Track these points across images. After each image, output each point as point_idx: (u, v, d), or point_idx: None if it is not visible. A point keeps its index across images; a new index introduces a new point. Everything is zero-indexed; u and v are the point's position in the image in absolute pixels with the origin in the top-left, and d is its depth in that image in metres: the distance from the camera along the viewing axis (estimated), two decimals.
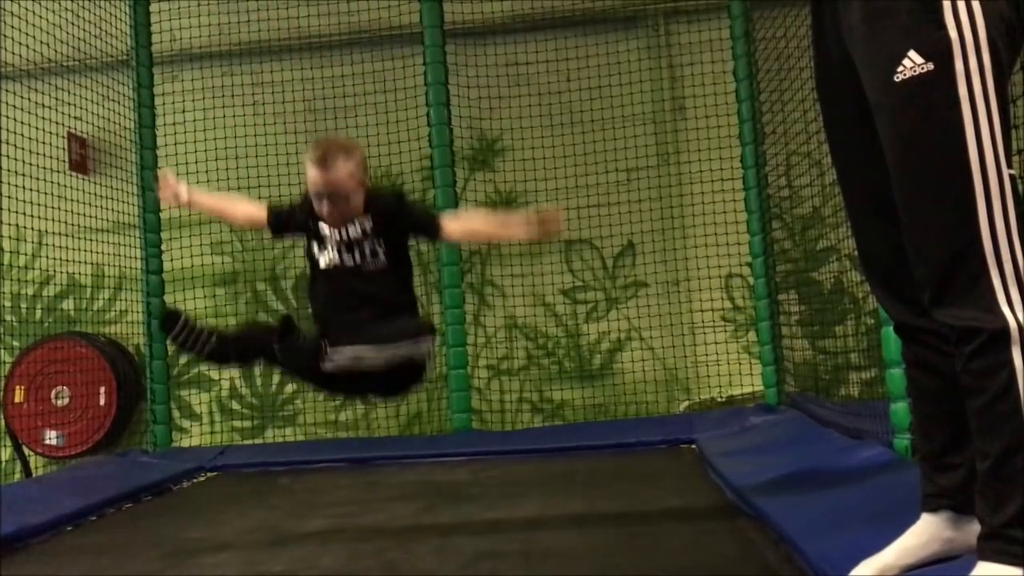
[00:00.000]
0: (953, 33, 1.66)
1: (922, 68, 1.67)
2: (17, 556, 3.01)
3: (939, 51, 1.66)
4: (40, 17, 5.28)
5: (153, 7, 5.81)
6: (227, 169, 5.98)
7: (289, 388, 6.04)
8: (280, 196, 5.99)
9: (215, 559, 2.76)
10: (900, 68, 1.69)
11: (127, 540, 3.18)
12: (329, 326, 2.88)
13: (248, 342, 2.95)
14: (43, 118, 5.29)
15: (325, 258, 2.89)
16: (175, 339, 2.86)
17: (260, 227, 3.13)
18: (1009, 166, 1.66)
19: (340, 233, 2.88)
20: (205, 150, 5.94)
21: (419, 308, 3.11)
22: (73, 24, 5.51)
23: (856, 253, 2.03)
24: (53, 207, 5.33)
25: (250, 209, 3.17)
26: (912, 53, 1.68)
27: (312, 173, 2.83)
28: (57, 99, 5.42)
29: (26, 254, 6.06)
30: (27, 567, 2.88)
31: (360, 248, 2.87)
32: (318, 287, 2.97)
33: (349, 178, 2.84)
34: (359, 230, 2.88)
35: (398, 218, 2.93)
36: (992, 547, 1.63)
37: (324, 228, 2.90)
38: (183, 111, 5.96)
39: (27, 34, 5.22)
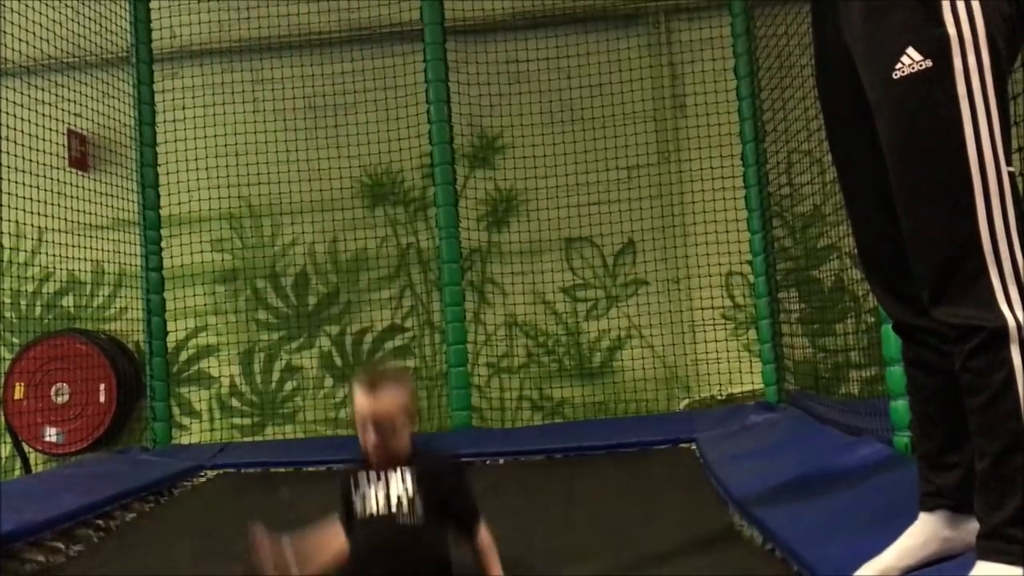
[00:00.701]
0: (952, 30, 1.65)
1: (921, 65, 1.66)
2: (18, 552, 3.01)
3: (938, 48, 1.65)
4: (40, 14, 5.28)
5: (153, 4, 5.80)
6: (227, 166, 5.97)
7: (289, 385, 6.05)
8: (280, 192, 6.00)
9: (215, 555, 2.76)
10: (899, 65, 1.68)
11: (127, 534, 3.18)
12: None
13: None
14: (43, 115, 5.28)
15: (361, 506, 2.69)
16: None
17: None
18: (1008, 163, 1.66)
19: (381, 482, 2.70)
20: (205, 147, 5.94)
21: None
22: (73, 20, 5.50)
23: (856, 251, 2.03)
24: (53, 204, 5.32)
25: (334, 539, 2.85)
26: (911, 50, 1.67)
27: (360, 399, 2.67)
28: (57, 96, 5.42)
29: (26, 251, 6.06)
30: (27, 563, 2.87)
31: (399, 499, 2.67)
32: (354, 539, 2.76)
33: (399, 408, 2.67)
34: (401, 482, 2.69)
35: (446, 487, 2.73)
36: (991, 546, 1.62)
37: (363, 479, 2.71)
38: (183, 108, 5.96)
39: (27, 30, 5.21)
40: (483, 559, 2.75)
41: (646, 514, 3.07)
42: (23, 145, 5.04)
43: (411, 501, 2.67)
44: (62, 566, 3.15)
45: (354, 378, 2.72)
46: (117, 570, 3.10)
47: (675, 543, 2.63)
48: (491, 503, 3.37)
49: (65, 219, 5.43)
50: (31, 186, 5.12)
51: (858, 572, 1.85)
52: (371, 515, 2.68)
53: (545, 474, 4.01)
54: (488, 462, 4.42)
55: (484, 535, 2.72)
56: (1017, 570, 1.59)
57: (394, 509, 2.66)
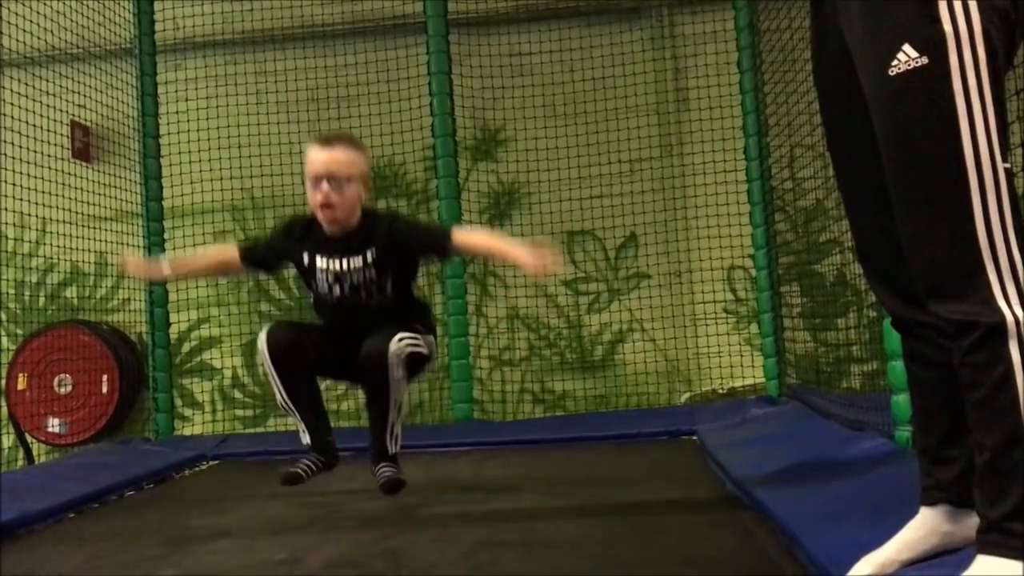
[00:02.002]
0: (948, 27, 1.65)
1: (916, 62, 1.66)
2: (19, 542, 3.03)
3: (933, 45, 1.65)
4: (44, 4, 5.28)
5: None
6: (230, 158, 5.98)
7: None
8: (282, 184, 6.01)
9: (215, 547, 2.77)
10: (894, 62, 1.68)
11: (128, 527, 3.19)
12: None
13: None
14: (47, 106, 5.29)
15: (323, 290, 2.76)
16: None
17: (236, 268, 3.00)
18: (1005, 160, 1.66)
19: (338, 264, 2.72)
20: (208, 139, 5.94)
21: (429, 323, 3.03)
22: (77, 12, 5.51)
23: (853, 247, 2.03)
24: (56, 195, 5.34)
25: (220, 254, 3.06)
26: (906, 47, 1.67)
27: (314, 153, 2.69)
28: (61, 87, 5.43)
29: (29, 242, 6.07)
30: (29, 553, 2.89)
31: (361, 280, 2.73)
32: (322, 314, 2.90)
33: (352, 163, 2.70)
34: (359, 261, 2.73)
35: (401, 242, 2.78)
36: (991, 540, 1.63)
37: (319, 260, 2.74)
38: (186, 100, 5.97)
39: (31, 21, 5.22)
40: (485, 246, 2.86)
41: (646, 505, 3.09)
42: (27, 136, 5.05)
43: (374, 280, 2.72)
44: (49, 527, 3.22)
45: (312, 139, 2.75)
46: (104, 529, 3.15)
47: (675, 534, 2.64)
48: (492, 493, 3.40)
49: (68, 210, 5.44)
50: (35, 177, 5.13)
51: (856, 566, 1.86)
52: (336, 300, 2.77)
53: (546, 465, 4.02)
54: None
55: (463, 234, 2.80)
56: (1017, 564, 1.59)
57: (363, 296, 2.75)
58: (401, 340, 2.84)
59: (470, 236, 2.88)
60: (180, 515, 3.35)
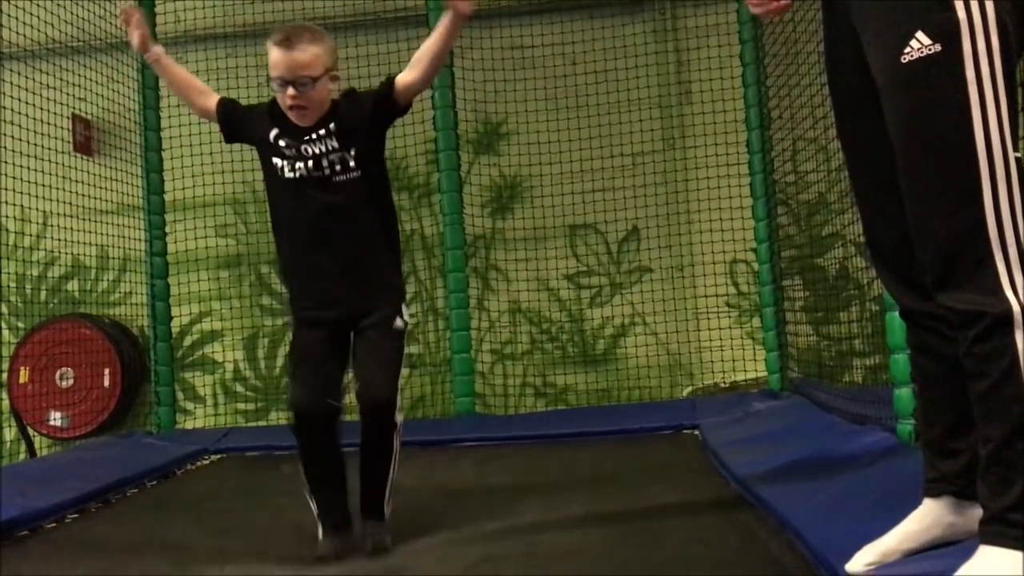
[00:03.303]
0: (961, 14, 1.64)
1: (929, 49, 1.65)
2: (21, 537, 3.02)
3: (946, 32, 1.64)
4: None
5: None
6: (231, 151, 5.95)
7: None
8: None
9: (216, 543, 2.77)
10: (907, 49, 1.68)
11: (130, 527, 3.19)
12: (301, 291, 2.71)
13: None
14: (48, 99, 5.28)
15: (288, 170, 2.64)
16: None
17: (206, 109, 2.86)
18: (1016, 149, 1.65)
19: (301, 140, 2.62)
20: (209, 132, 5.91)
21: (398, 241, 2.87)
22: (77, 4, 5.49)
23: (862, 238, 2.02)
24: (58, 188, 5.33)
25: (202, 89, 2.92)
26: (919, 34, 1.67)
27: (275, 55, 2.57)
28: (62, 80, 5.42)
29: (31, 235, 6.07)
30: (31, 548, 2.88)
31: (324, 150, 2.62)
32: (281, 208, 2.75)
33: (316, 61, 2.57)
34: (325, 146, 2.63)
35: (356, 108, 2.67)
36: (993, 531, 1.63)
37: (283, 140, 2.64)
38: None
39: (31, 14, 5.21)
40: (424, 56, 2.79)
41: (648, 499, 3.08)
42: (28, 129, 5.05)
43: (342, 160, 2.62)
44: (55, 528, 3.20)
45: (271, 34, 2.60)
46: (107, 533, 3.15)
47: (676, 528, 2.64)
48: (493, 488, 3.39)
49: (70, 204, 5.44)
50: (36, 170, 5.13)
51: (858, 554, 1.86)
52: (301, 177, 2.64)
53: (548, 458, 4.01)
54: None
55: (406, 72, 2.69)
56: (1019, 555, 1.59)
57: (326, 171, 2.62)
58: (392, 366, 2.72)
59: (409, 68, 2.75)
60: (181, 512, 3.35)
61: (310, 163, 2.64)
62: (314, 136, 2.65)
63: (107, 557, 2.83)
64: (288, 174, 2.66)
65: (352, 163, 2.65)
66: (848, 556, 1.87)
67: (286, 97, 2.58)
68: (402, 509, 3.25)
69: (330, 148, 2.65)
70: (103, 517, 3.50)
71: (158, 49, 2.99)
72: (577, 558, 2.52)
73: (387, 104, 2.69)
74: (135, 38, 2.93)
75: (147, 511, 3.62)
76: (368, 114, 2.69)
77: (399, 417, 2.70)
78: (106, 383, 5.78)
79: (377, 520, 2.70)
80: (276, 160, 2.68)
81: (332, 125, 2.66)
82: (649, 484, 3.43)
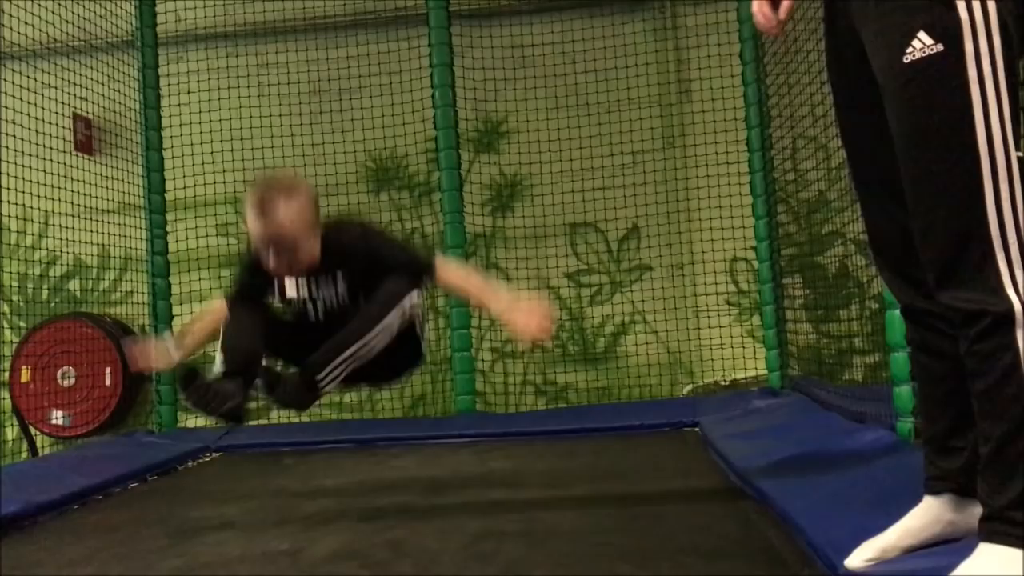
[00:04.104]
0: (963, 14, 1.65)
1: (932, 49, 1.66)
2: (23, 534, 3.04)
3: (949, 32, 1.65)
4: None
5: None
6: (231, 151, 5.98)
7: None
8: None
9: (219, 538, 2.78)
10: (909, 49, 1.68)
11: (132, 519, 3.20)
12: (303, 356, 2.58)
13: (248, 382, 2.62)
14: (49, 98, 5.29)
15: (298, 310, 2.57)
16: (191, 397, 2.55)
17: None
18: (1017, 148, 1.66)
19: (308, 291, 2.55)
20: (210, 131, 5.94)
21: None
22: (78, 4, 5.50)
23: (863, 236, 2.03)
24: (59, 188, 5.34)
25: (214, 314, 2.85)
26: (922, 34, 1.67)
27: (252, 223, 2.44)
28: (62, 79, 5.43)
29: (32, 234, 6.08)
30: (33, 545, 2.90)
31: (334, 301, 2.55)
32: (283, 334, 2.66)
33: (294, 223, 2.44)
34: (330, 283, 2.55)
35: (376, 260, 2.55)
36: (993, 529, 1.63)
37: (289, 290, 2.57)
38: (188, 92, 5.96)
39: (32, 13, 5.21)
40: (471, 296, 2.55)
41: (648, 495, 3.09)
42: (29, 129, 5.05)
43: (347, 299, 2.53)
44: (53, 519, 3.23)
45: (246, 197, 2.45)
46: (107, 521, 3.17)
47: (677, 524, 2.65)
48: (494, 484, 3.40)
49: (71, 203, 5.44)
50: (37, 170, 5.13)
51: (858, 550, 1.86)
52: (315, 319, 2.57)
53: (548, 456, 4.02)
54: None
55: (449, 273, 2.52)
56: (1019, 552, 1.59)
57: (339, 313, 2.54)
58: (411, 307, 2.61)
59: (454, 273, 2.60)
60: (183, 507, 3.36)
61: (318, 303, 2.59)
62: (319, 281, 2.56)
63: (108, 537, 2.86)
64: (299, 313, 2.61)
65: (363, 300, 2.58)
66: (847, 552, 1.88)
67: (269, 258, 2.48)
68: (402, 490, 3.28)
69: (340, 293, 2.57)
70: (105, 504, 3.53)
71: (172, 349, 2.89)
72: (575, 537, 2.54)
73: (415, 282, 2.58)
74: (161, 364, 2.83)
75: (149, 498, 3.65)
76: (389, 269, 2.55)
77: (411, 301, 2.55)
78: (107, 382, 5.79)
79: (308, 372, 2.57)
80: (286, 304, 2.61)
81: (340, 274, 2.55)
82: (649, 475, 3.46)
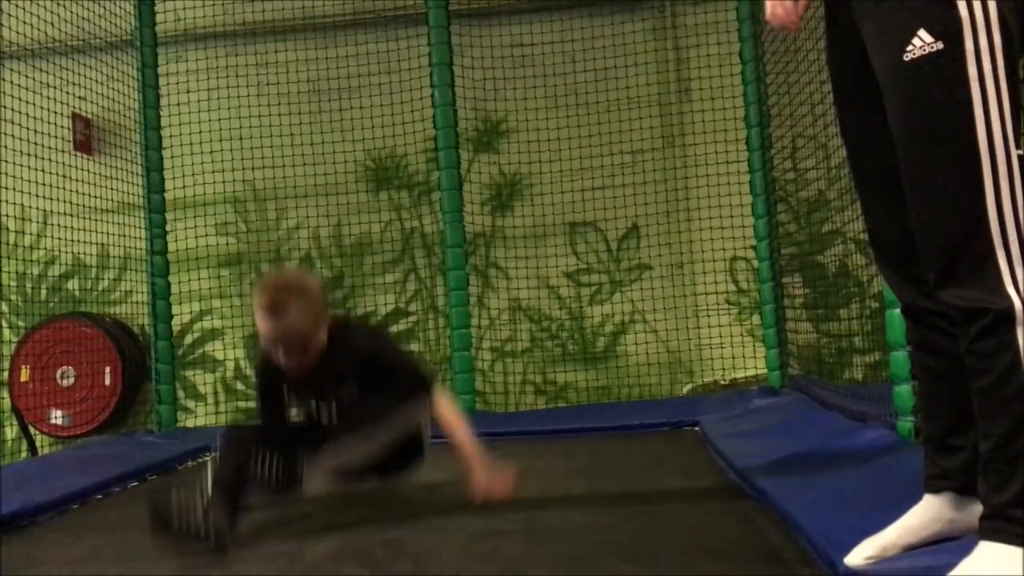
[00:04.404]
0: (963, 12, 1.64)
1: (932, 47, 1.66)
2: (23, 534, 3.03)
3: (949, 30, 1.65)
4: None
5: None
6: (231, 150, 5.98)
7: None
8: (285, 176, 6.01)
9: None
10: (910, 47, 1.68)
11: (132, 519, 3.19)
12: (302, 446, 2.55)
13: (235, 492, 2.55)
14: (48, 98, 5.29)
15: (310, 412, 2.58)
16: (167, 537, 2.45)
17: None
18: (1018, 147, 1.66)
19: (317, 399, 2.56)
20: (209, 131, 5.94)
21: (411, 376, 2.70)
22: (77, 3, 5.50)
23: (863, 235, 2.03)
24: (58, 187, 5.34)
25: None
26: (922, 32, 1.67)
27: (261, 323, 2.44)
28: (61, 79, 5.42)
29: (31, 234, 6.08)
30: (32, 544, 2.89)
31: (345, 406, 2.56)
32: (285, 425, 2.64)
33: (304, 322, 2.44)
34: (340, 392, 2.55)
35: (381, 373, 2.56)
36: (993, 527, 1.63)
37: (299, 396, 2.58)
38: (187, 91, 5.96)
39: (31, 13, 5.21)
40: (451, 437, 2.58)
41: (648, 494, 3.09)
42: (28, 128, 5.05)
43: (357, 402, 2.53)
44: (52, 519, 3.22)
45: (254, 296, 2.45)
46: (106, 521, 3.16)
47: (677, 523, 2.65)
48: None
49: (70, 202, 5.44)
50: (36, 169, 5.13)
51: (858, 548, 1.86)
52: (326, 422, 2.57)
53: (548, 455, 4.02)
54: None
55: (441, 407, 2.55)
56: (1019, 551, 1.59)
57: (335, 415, 2.55)
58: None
59: (445, 410, 2.61)
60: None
61: (333, 414, 2.59)
62: (328, 383, 2.56)
63: (108, 538, 2.86)
64: (311, 415, 2.61)
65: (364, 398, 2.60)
66: (847, 549, 1.87)
67: (278, 356, 2.48)
68: (401, 489, 3.26)
69: (348, 395, 2.58)
70: (105, 504, 3.52)
71: None
72: (575, 536, 2.54)
73: (412, 398, 2.61)
74: None
75: (147, 500, 3.63)
76: (390, 378, 2.57)
77: (416, 416, 2.60)
78: (107, 381, 5.79)
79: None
80: (297, 407, 2.61)
81: (348, 377, 2.56)
82: (648, 475, 3.46)
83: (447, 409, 2.64)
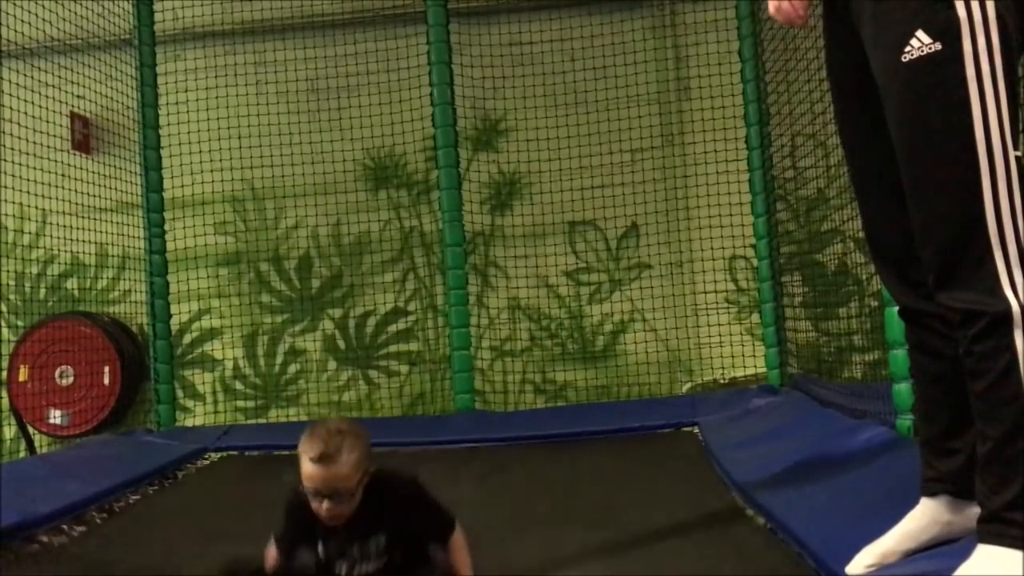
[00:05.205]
0: (961, 12, 1.64)
1: (930, 48, 1.65)
2: (22, 535, 3.02)
3: (947, 30, 1.64)
4: None
5: None
6: (230, 149, 5.97)
7: (292, 368, 6.06)
8: (284, 175, 6.00)
9: (219, 544, 2.77)
10: (908, 48, 1.67)
11: (132, 519, 3.19)
12: None
13: None
14: (46, 97, 5.28)
15: (337, 570, 2.51)
16: None
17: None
18: (1016, 147, 1.65)
19: (346, 552, 2.51)
20: (208, 129, 5.93)
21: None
22: (76, 2, 5.49)
23: (862, 234, 2.02)
24: (56, 186, 5.33)
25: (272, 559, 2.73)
26: (920, 33, 1.66)
27: (311, 470, 2.40)
28: (60, 78, 5.41)
29: (30, 233, 6.07)
30: (33, 546, 2.89)
31: (373, 565, 2.52)
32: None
33: (355, 472, 2.44)
34: (370, 548, 2.51)
35: (414, 528, 2.57)
36: (991, 530, 1.63)
37: (326, 548, 2.52)
38: (186, 90, 5.95)
39: (30, 12, 5.20)
40: (454, 558, 2.68)
41: (647, 494, 3.08)
42: (26, 127, 5.04)
43: (385, 559, 2.51)
44: (64, 546, 3.16)
45: (303, 443, 2.43)
46: (119, 551, 3.10)
47: (675, 522, 2.64)
48: (493, 482, 3.39)
49: (69, 201, 5.43)
50: (35, 168, 5.12)
51: (858, 556, 1.86)
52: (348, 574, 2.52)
53: (547, 455, 4.01)
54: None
55: (455, 548, 2.58)
56: (1017, 554, 1.59)
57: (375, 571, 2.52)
58: None
59: (458, 552, 2.63)
60: (183, 508, 3.36)
61: (349, 563, 2.59)
62: (359, 538, 2.54)
63: (108, 539, 2.84)
64: (325, 559, 2.62)
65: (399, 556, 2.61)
66: (848, 558, 1.87)
67: (321, 508, 2.46)
68: None
69: (379, 561, 2.59)
70: (105, 503, 3.50)
71: None
72: (573, 538, 2.56)
73: (437, 541, 2.63)
74: None
75: (148, 499, 3.61)
76: (422, 535, 2.58)
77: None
78: (106, 381, 5.79)
79: None
80: (322, 561, 2.59)
81: (379, 542, 2.56)
82: (647, 477, 3.44)
83: (459, 547, 2.68)
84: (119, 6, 5.72)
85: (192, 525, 3.41)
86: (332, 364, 6.02)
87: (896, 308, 1.98)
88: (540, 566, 2.44)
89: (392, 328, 6.01)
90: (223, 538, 2.95)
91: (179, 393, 5.87)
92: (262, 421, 5.97)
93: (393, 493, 2.57)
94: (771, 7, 1.98)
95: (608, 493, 3.51)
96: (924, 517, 1.87)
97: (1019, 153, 1.66)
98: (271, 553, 2.67)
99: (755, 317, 5.61)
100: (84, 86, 5.56)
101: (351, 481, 2.45)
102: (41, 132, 5.16)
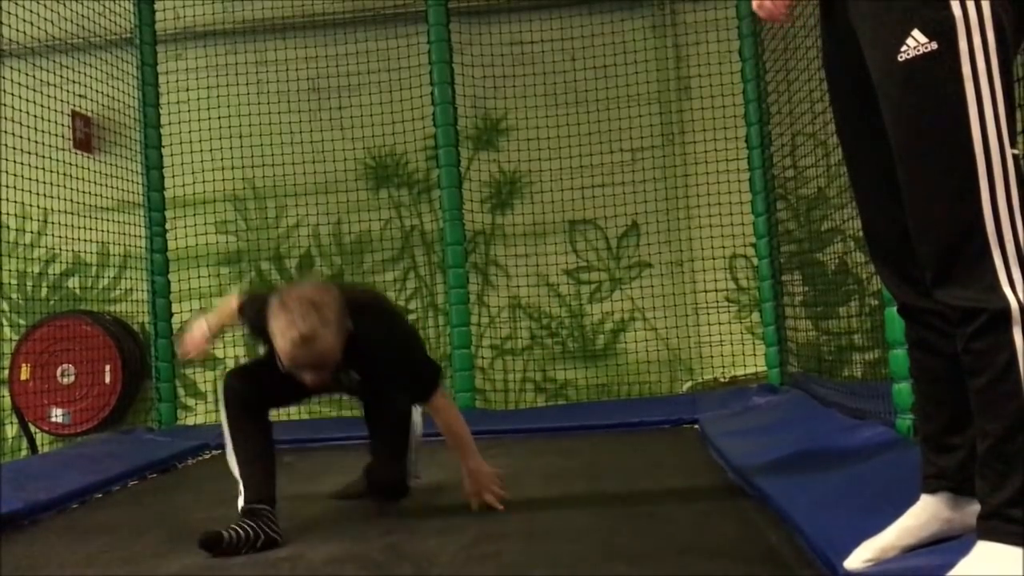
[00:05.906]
0: (957, 11, 1.64)
1: (926, 47, 1.66)
2: (22, 534, 3.03)
3: (943, 30, 1.65)
4: None
5: None
6: (231, 148, 5.98)
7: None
8: (285, 173, 6.01)
9: (212, 503, 2.78)
10: (904, 47, 1.68)
11: (132, 519, 3.20)
12: None
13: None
14: (47, 96, 5.29)
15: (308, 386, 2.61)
16: (224, 554, 2.51)
17: (234, 320, 2.83)
18: (1013, 146, 1.66)
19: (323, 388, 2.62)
20: (209, 128, 5.94)
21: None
22: (77, 1, 5.49)
23: (862, 233, 2.03)
24: (58, 185, 5.34)
25: (226, 308, 2.88)
26: (916, 32, 1.67)
27: (291, 351, 2.39)
28: (61, 77, 5.42)
29: (31, 232, 6.08)
30: (31, 546, 2.90)
31: (344, 386, 2.67)
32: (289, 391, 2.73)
33: (336, 342, 2.44)
34: (342, 376, 2.61)
35: (385, 370, 2.66)
36: (991, 526, 1.63)
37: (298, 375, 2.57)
38: (187, 89, 5.96)
39: (31, 11, 5.21)
40: (448, 435, 2.73)
41: (648, 493, 3.10)
42: (28, 127, 5.05)
43: (358, 384, 2.65)
44: (53, 518, 3.23)
45: (275, 321, 2.41)
46: (106, 521, 3.16)
47: (677, 522, 2.65)
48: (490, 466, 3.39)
49: (70, 200, 5.44)
50: (36, 168, 5.13)
51: (857, 551, 1.87)
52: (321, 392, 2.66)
53: (548, 454, 4.03)
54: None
55: (441, 406, 2.66)
56: (1017, 550, 1.59)
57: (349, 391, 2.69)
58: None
59: (445, 411, 2.72)
60: (183, 508, 3.36)
61: (330, 390, 2.68)
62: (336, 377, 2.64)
63: (108, 538, 2.86)
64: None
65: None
66: (847, 552, 1.88)
67: (304, 378, 2.50)
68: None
69: (352, 386, 2.70)
70: (105, 503, 3.53)
71: (204, 333, 2.96)
72: (575, 537, 2.54)
73: (415, 398, 2.76)
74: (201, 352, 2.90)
75: (148, 497, 3.64)
76: (397, 377, 2.69)
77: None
78: (107, 379, 5.80)
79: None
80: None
81: (352, 374, 2.64)
82: (648, 474, 3.46)
83: (446, 407, 2.70)
84: (120, 5, 5.73)
85: (187, 501, 3.50)
86: None
87: (896, 307, 1.98)
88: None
89: None
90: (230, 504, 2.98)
91: (180, 392, 5.88)
92: None
93: (373, 334, 2.61)
94: (754, 3, 1.99)
95: (606, 472, 3.57)
96: (924, 514, 1.87)
97: (1016, 151, 1.66)
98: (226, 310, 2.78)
99: (755, 316, 5.62)
100: (85, 85, 5.57)
101: (335, 353, 2.44)
102: (42, 131, 5.17)
